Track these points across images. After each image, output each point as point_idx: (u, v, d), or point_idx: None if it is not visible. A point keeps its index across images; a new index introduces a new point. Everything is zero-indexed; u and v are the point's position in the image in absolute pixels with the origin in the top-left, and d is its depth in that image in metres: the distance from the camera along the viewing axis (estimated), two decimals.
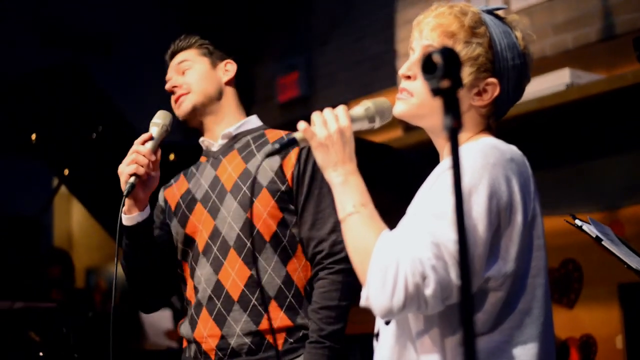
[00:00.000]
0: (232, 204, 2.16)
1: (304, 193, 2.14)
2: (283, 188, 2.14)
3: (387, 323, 1.56)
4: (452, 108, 1.17)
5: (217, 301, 2.14)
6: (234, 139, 2.28)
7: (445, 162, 1.56)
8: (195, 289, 2.21)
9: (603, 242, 2.71)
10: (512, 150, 1.50)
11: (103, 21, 7.21)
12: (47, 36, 6.93)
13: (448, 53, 1.18)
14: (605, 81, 3.66)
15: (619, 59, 3.88)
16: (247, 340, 2.10)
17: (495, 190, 1.42)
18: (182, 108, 2.29)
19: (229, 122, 2.30)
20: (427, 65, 1.19)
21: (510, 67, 1.56)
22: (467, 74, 1.53)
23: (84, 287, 8.49)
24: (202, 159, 2.36)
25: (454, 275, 1.36)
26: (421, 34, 1.59)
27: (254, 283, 2.11)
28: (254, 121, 2.33)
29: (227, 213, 2.16)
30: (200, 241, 2.20)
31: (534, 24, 4.22)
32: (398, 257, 1.36)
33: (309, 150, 2.13)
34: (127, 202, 2.14)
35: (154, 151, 2.14)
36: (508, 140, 1.55)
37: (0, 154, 7.16)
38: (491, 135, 1.58)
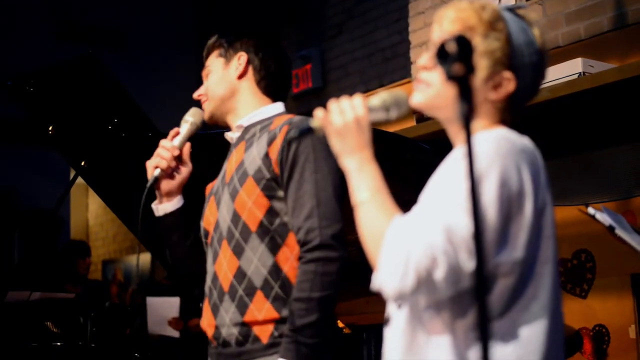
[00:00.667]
0: (225, 196, 2.19)
1: (285, 178, 2.09)
2: (269, 175, 2.10)
3: (399, 307, 1.59)
4: (465, 94, 1.21)
5: (213, 291, 2.16)
6: (246, 130, 2.29)
7: (458, 150, 1.58)
8: (205, 280, 2.26)
9: (616, 231, 2.72)
10: (524, 141, 1.53)
11: (118, 15, 7.25)
12: (62, 30, 6.98)
13: (462, 41, 1.22)
14: (617, 70, 3.65)
15: (631, 48, 3.88)
16: (235, 331, 2.09)
17: (506, 177, 1.44)
18: (205, 115, 2.35)
19: (245, 114, 2.31)
20: (442, 53, 1.23)
21: (527, 63, 1.58)
22: (483, 66, 1.55)
23: (100, 278, 8.56)
24: None
25: (464, 259, 1.38)
26: (441, 27, 1.62)
27: (241, 273, 2.10)
28: (270, 110, 2.30)
29: (223, 205, 2.19)
30: (210, 233, 2.25)
31: (547, 14, 4.22)
32: (410, 241, 1.39)
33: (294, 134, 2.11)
34: (157, 193, 2.29)
35: (180, 146, 2.28)
36: (520, 129, 1.58)
37: (18, 147, 7.23)
38: (505, 128, 1.61)
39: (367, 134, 1.57)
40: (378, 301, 1.50)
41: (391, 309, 1.61)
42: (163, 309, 4.78)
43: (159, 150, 2.27)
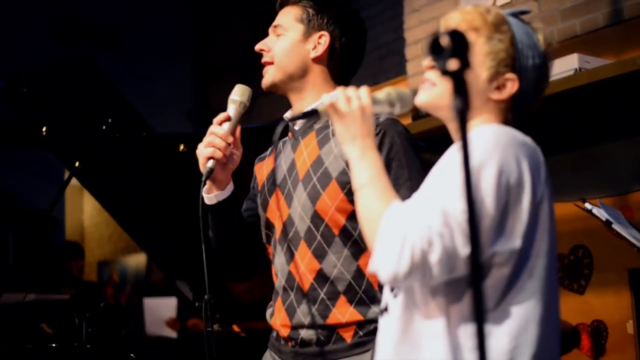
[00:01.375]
0: (302, 195, 2.06)
1: None
2: None
3: (395, 297, 1.59)
4: (460, 89, 1.20)
5: (290, 292, 2.08)
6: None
7: (458, 144, 1.59)
8: (276, 275, 2.17)
9: (613, 225, 2.72)
10: (525, 137, 1.56)
11: (115, 15, 7.24)
12: (58, 30, 6.96)
13: (456, 35, 1.21)
14: (613, 66, 3.65)
15: (627, 44, 3.88)
16: (316, 332, 2.02)
17: (505, 167, 1.46)
18: (264, 80, 2.18)
19: (312, 100, 2.13)
20: (436, 48, 1.23)
21: (531, 66, 1.61)
22: (487, 67, 1.59)
23: (96, 279, 8.55)
24: (289, 134, 2.24)
25: (460, 244, 1.39)
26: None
27: (323, 277, 2.02)
28: None
29: (298, 203, 2.07)
30: (278, 228, 2.14)
31: (543, 10, 4.21)
32: (406, 224, 1.41)
33: (384, 137, 2.01)
34: (207, 182, 2.11)
35: (232, 132, 2.09)
36: (516, 125, 1.61)
37: (11, 148, 7.21)
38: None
39: (371, 123, 1.62)
40: None
41: (388, 298, 1.62)
42: (160, 309, 4.77)
43: (212, 139, 2.05)
